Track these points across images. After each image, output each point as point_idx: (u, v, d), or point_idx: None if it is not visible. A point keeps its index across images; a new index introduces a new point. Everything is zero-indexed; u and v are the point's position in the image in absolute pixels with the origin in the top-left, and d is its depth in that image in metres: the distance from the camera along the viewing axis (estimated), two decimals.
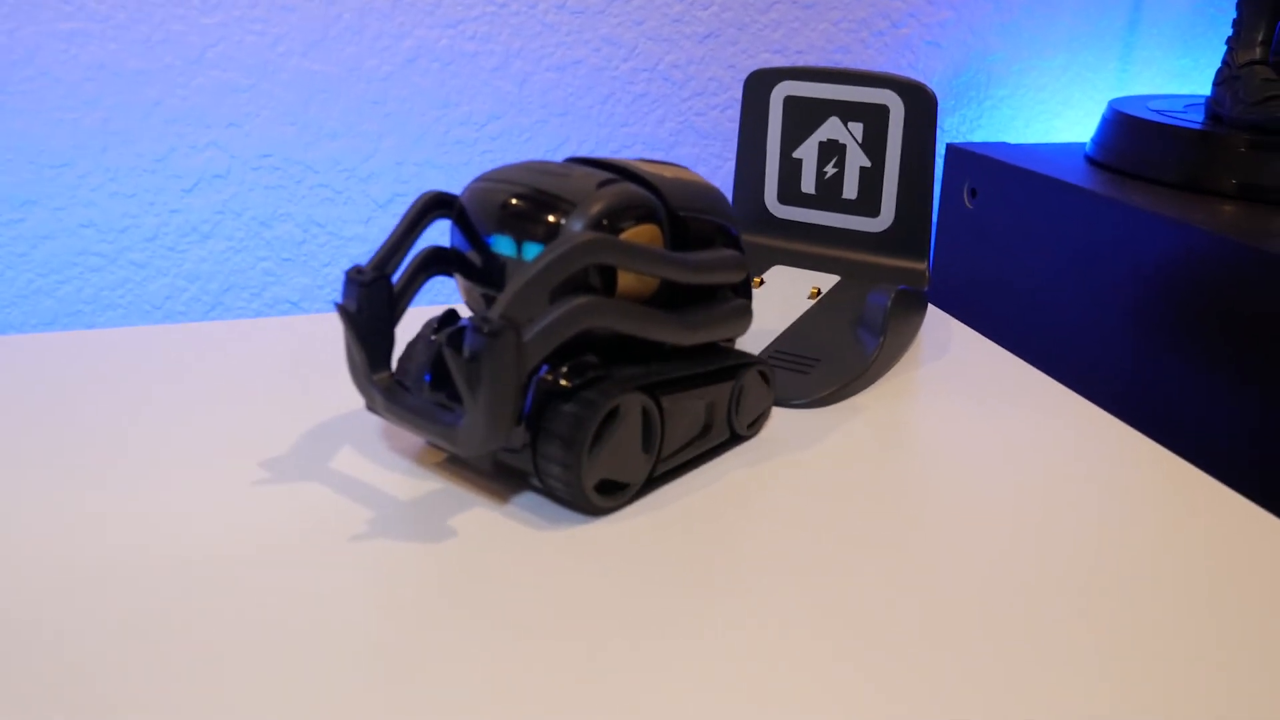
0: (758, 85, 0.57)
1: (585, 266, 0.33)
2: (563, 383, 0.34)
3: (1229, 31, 0.86)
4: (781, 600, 0.31)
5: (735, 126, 0.81)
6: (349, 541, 0.33)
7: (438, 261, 0.38)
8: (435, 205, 0.37)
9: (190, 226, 0.73)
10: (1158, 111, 0.71)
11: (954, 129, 0.87)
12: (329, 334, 0.51)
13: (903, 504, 0.37)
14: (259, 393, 0.44)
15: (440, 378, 0.36)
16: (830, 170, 0.56)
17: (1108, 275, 0.65)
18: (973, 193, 0.75)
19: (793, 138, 0.57)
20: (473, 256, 0.36)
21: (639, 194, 0.35)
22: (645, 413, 0.36)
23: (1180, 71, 0.89)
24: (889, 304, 0.48)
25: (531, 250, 0.34)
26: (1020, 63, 0.86)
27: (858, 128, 0.55)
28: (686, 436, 0.38)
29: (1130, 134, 0.69)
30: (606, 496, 0.35)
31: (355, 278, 0.35)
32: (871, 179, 0.55)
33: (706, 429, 0.39)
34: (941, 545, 0.34)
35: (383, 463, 0.39)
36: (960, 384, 0.48)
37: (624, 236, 0.34)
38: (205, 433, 0.40)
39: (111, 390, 0.44)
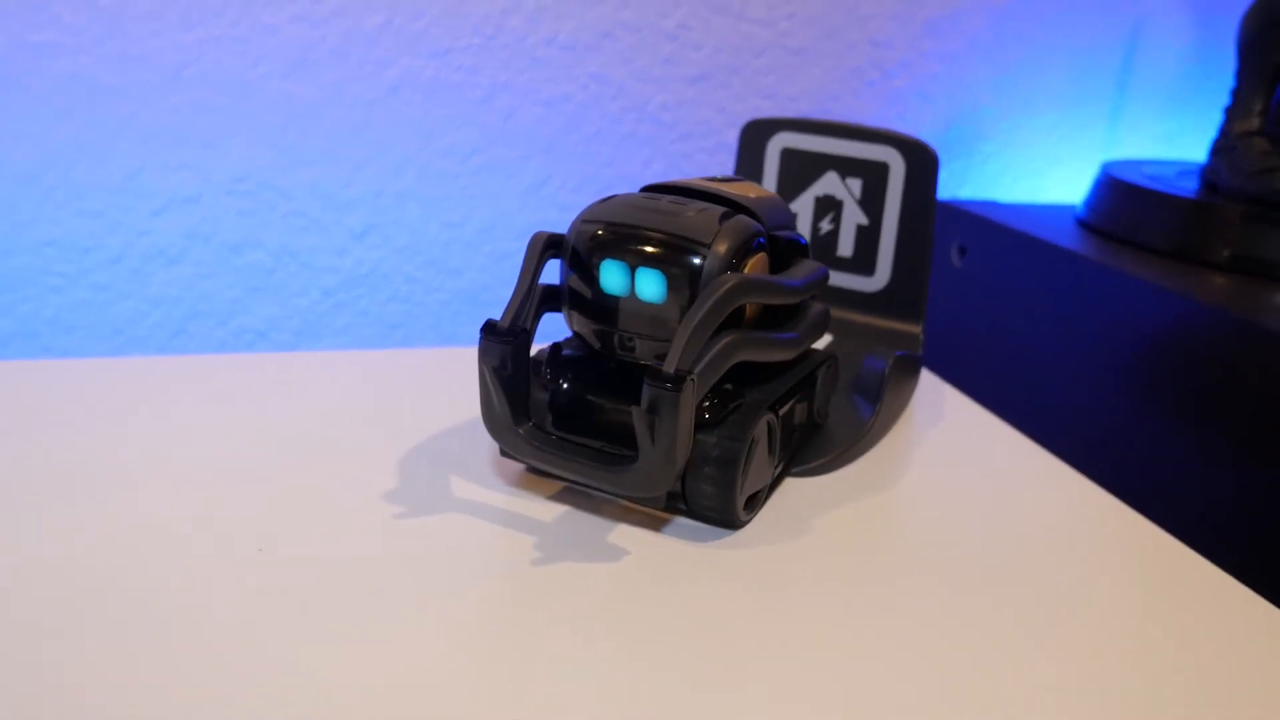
0: (754, 135, 0.56)
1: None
2: (708, 416, 0.36)
3: (1217, 97, 0.86)
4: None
5: (723, 170, 0.80)
6: (483, 567, 0.35)
7: (549, 299, 0.39)
8: (549, 247, 0.38)
9: (157, 250, 0.70)
10: (1152, 177, 0.70)
11: (941, 184, 0.86)
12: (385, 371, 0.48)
13: (904, 580, 0.35)
14: (368, 427, 0.45)
15: (565, 417, 0.38)
16: (826, 226, 0.54)
17: (1099, 341, 0.64)
18: (962, 251, 0.74)
19: (788, 191, 0.55)
20: (593, 297, 0.37)
21: (751, 224, 0.37)
22: (772, 429, 0.38)
23: (1167, 135, 0.89)
24: (887, 371, 0.47)
25: (648, 286, 0.35)
26: (1010, 119, 0.85)
27: (856, 184, 0.53)
28: (789, 438, 0.42)
29: (1124, 199, 0.68)
30: (747, 511, 0.38)
31: (499, 332, 0.36)
32: (868, 237, 0.53)
33: (800, 427, 0.43)
34: (935, 622, 0.33)
35: (501, 490, 0.40)
36: (956, 454, 0.47)
37: (746, 269, 0.36)
38: (329, 468, 0.41)
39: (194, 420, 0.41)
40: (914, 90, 0.82)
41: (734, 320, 0.36)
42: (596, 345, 0.38)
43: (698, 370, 0.33)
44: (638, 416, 0.33)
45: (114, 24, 0.65)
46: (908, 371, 0.50)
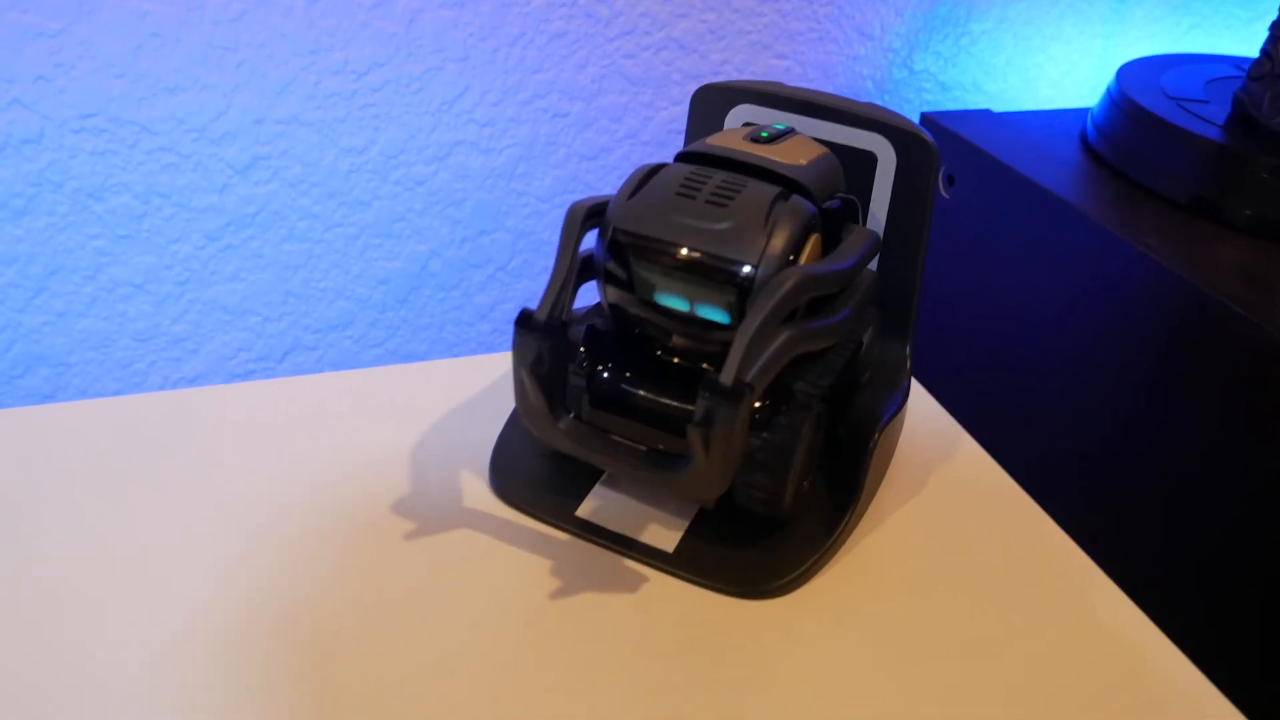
0: (707, 103, 0.45)
1: None
2: (757, 416, 0.34)
3: None
4: None
5: (670, 71, 0.68)
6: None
7: (584, 270, 0.36)
8: (587, 219, 0.35)
9: None
10: (1174, 98, 0.59)
11: (926, 68, 0.74)
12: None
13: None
14: (348, 450, 0.41)
15: (603, 403, 0.36)
16: None
17: (1093, 309, 0.55)
18: (950, 180, 0.64)
19: None
20: (637, 298, 0.34)
21: (803, 211, 0.34)
22: (820, 418, 0.37)
23: None
24: (867, 462, 0.39)
25: (703, 310, 0.33)
26: None
27: None
28: (837, 406, 0.39)
29: (1137, 128, 0.58)
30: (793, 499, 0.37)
31: (535, 326, 0.33)
32: None
33: (844, 390, 0.40)
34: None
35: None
36: (943, 540, 0.39)
37: (802, 258, 0.34)
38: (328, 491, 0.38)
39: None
40: None
41: (791, 314, 0.34)
42: (637, 334, 0.36)
43: (753, 375, 0.31)
44: (691, 429, 0.30)
45: None
46: (891, 431, 0.42)
